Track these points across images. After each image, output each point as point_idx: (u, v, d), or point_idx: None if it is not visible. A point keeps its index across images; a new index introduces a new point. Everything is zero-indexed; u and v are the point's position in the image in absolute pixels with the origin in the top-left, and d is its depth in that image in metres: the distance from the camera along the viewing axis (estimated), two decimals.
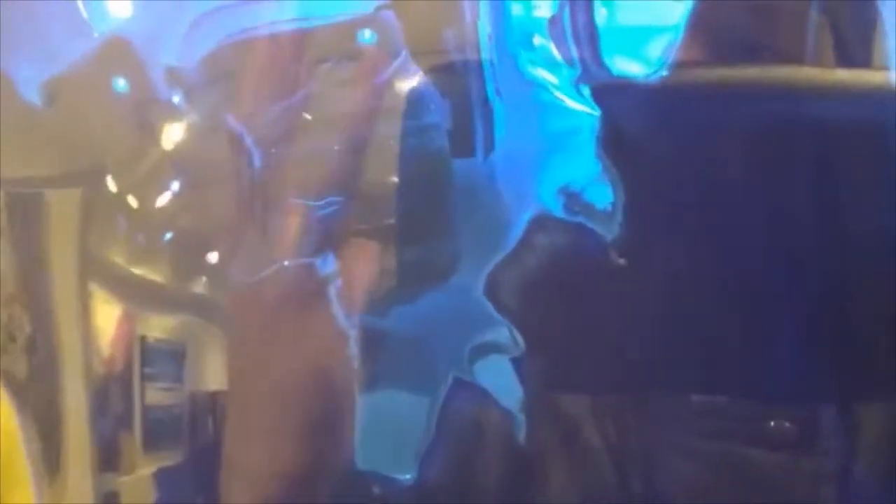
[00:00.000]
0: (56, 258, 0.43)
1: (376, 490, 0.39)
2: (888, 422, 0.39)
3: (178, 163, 0.41)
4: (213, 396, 0.41)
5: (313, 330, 0.40)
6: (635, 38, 0.39)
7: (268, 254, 0.40)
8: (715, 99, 0.39)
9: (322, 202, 0.40)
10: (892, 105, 0.38)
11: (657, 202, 0.39)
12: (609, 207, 0.39)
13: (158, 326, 0.42)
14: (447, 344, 0.39)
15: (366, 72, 0.40)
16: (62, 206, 0.43)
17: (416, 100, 0.40)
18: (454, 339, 0.39)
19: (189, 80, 0.41)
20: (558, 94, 0.39)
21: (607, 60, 0.39)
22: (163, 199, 0.41)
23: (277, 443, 0.40)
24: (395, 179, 0.39)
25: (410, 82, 0.40)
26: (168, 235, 0.41)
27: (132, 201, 0.41)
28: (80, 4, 0.43)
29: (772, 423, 0.39)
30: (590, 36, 0.39)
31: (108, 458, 0.43)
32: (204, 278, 0.41)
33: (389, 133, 0.39)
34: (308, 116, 0.40)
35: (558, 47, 0.39)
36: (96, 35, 0.43)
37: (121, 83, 0.42)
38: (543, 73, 0.39)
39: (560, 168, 0.39)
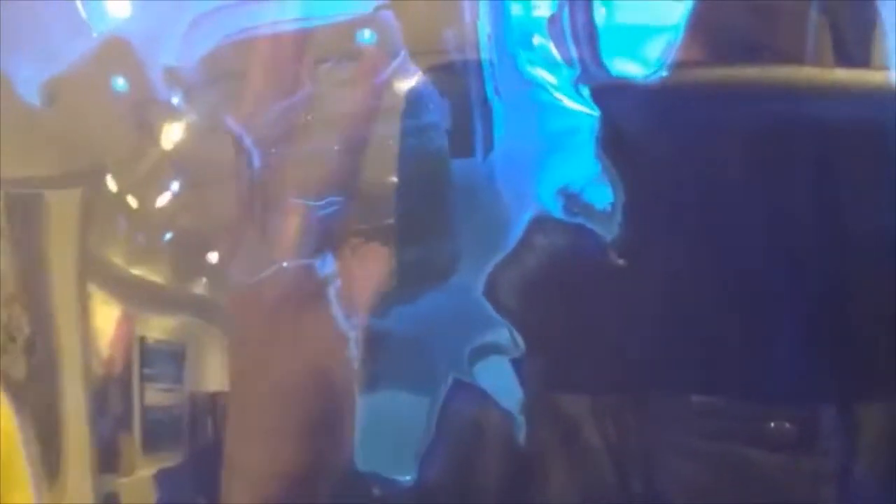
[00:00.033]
0: (55, 258, 0.43)
1: (376, 491, 0.40)
2: (888, 422, 0.39)
3: (177, 163, 0.41)
4: (213, 397, 0.41)
5: (313, 330, 0.40)
6: (635, 38, 0.39)
7: (267, 254, 0.40)
8: (714, 99, 0.39)
9: (322, 202, 0.40)
10: (891, 105, 0.38)
11: (657, 202, 0.39)
12: (608, 208, 0.39)
13: (158, 327, 0.42)
14: (447, 344, 0.39)
15: (365, 72, 0.40)
16: (62, 207, 0.43)
17: (415, 99, 0.40)
18: (454, 339, 0.39)
19: (188, 80, 0.41)
20: (557, 94, 0.39)
21: (607, 60, 0.39)
22: (162, 200, 0.41)
23: (277, 443, 0.40)
24: (395, 179, 0.40)
25: (410, 82, 0.40)
26: (168, 236, 0.41)
27: (132, 201, 0.42)
28: (79, 4, 0.43)
29: (772, 424, 0.39)
30: (589, 36, 0.39)
31: (107, 460, 0.43)
32: (204, 279, 0.41)
33: (389, 133, 0.40)
34: (308, 116, 0.40)
35: (557, 47, 0.39)
36: (95, 35, 0.43)
37: (120, 83, 0.42)
38: (543, 73, 0.40)
39: (559, 168, 0.39)
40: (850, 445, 0.39)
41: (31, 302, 0.44)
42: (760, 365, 0.39)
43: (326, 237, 0.40)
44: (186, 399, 0.41)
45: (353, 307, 0.40)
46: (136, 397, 0.42)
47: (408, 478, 0.39)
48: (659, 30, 0.39)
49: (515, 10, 0.40)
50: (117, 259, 0.42)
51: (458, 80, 0.40)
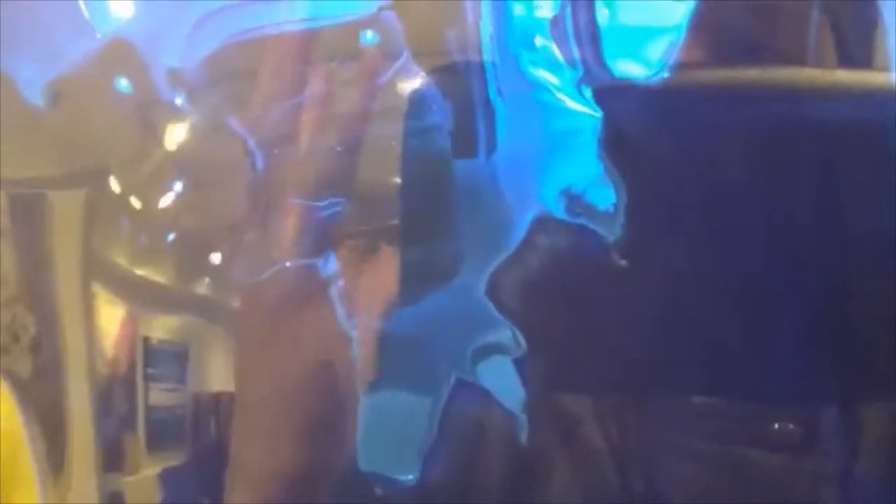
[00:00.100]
0: (60, 259, 0.43)
1: (378, 490, 0.40)
2: (889, 423, 0.39)
3: (180, 164, 0.42)
4: (216, 397, 0.41)
5: (315, 330, 0.40)
6: (637, 39, 0.39)
7: (270, 255, 0.40)
8: (716, 100, 0.39)
9: (324, 203, 0.40)
10: (892, 106, 0.38)
11: (658, 203, 0.39)
12: (610, 209, 0.39)
13: (161, 327, 0.42)
14: (449, 344, 0.39)
15: (364, 72, 0.40)
16: (65, 207, 0.43)
17: (418, 101, 0.40)
18: (456, 339, 0.39)
19: (191, 81, 0.42)
20: (560, 95, 0.39)
21: (609, 61, 0.39)
22: (165, 200, 0.42)
23: (280, 443, 0.40)
24: (398, 180, 0.40)
25: (412, 83, 0.40)
26: (171, 236, 0.42)
27: (135, 202, 0.42)
28: (83, 5, 0.43)
29: (776, 425, 0.39)
30: (591, 36, 0.39)
31: (111, 459, 0.43)
32: (207, 279, 0.41)
33: (392, 134, 0.40)
34: (310, 117, 0.40)
35: (560, 48, 0.40)
36: (99, 36, 0.43)
37: (123, 84, 0.42)
38: (545, 75, 0.40)
39: (562, 169, 0.39)
40: (852, 446, 0.39)
41: (35, 302, 0.44)
42: (762, 366, 0.39)
43: (329, 237, 0.40)
44: (190, 399, 0.41)
45: (355, 308, 0.40)
46: (140, 397, 0.42)
47: (410, 477, 0.39)
48: (661, 31, 0.40)
49: (518, 10, 0.40)
50: (121, 259, 0.42)
51: (461, 81, 0.40)
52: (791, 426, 0.39)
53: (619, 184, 0.39)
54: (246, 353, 0.41)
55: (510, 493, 0.40)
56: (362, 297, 0.40)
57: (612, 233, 0.39)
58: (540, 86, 0.40)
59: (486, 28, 0.40)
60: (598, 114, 0.39)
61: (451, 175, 0.39)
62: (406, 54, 0.40)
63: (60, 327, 0.43)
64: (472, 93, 0.40)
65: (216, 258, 0.41)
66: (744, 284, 0.39)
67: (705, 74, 0.40)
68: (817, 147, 0.39)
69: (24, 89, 0.43)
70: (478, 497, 0.40)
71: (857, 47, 0.40)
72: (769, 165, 0.39)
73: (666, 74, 0.39)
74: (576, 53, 0.40)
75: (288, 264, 0.40)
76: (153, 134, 0.42)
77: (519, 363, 0.39)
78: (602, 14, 0.40)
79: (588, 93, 0.39)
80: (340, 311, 0.40)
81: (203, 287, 0.41)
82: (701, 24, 0.40)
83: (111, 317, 0.43)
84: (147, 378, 0.42)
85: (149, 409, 0.42)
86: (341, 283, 0.40)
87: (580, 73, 0.40)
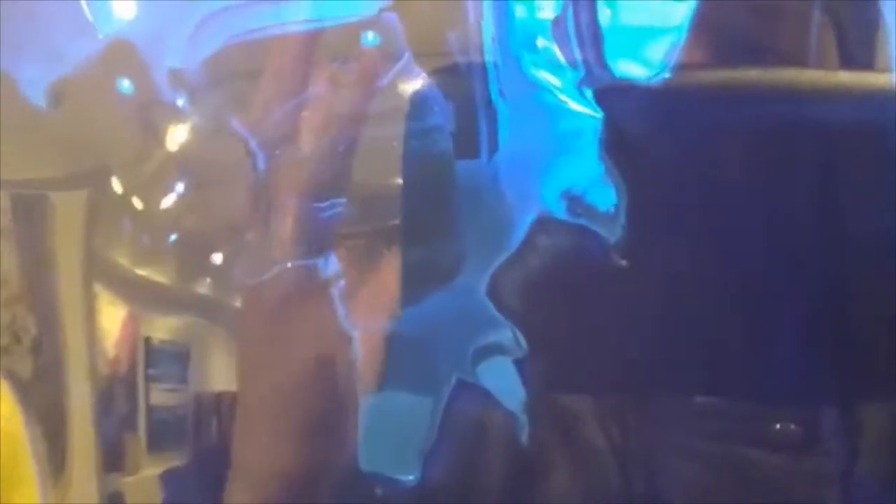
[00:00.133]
0: (61, 259, 0.43)
1: (379, 491, 0.40)
2: (890, 423, 0.40)
3: (182, 164, 0.42)
4: (218, 397, 0.41)
5: (316, 331, 0.40)
6: (638, 40, 0.40)
7: (271, 255, 0.40)
8: (717, 101, 0.39)
9: (326, 204, 0.40)
10: (893, 107, 0.39)
11: (659, 204, 0.39)
12: (611, 209, 0.39)
13: (163, 327, 0.43)
14: (450, 345, 0.39)
15: (363, 73, 0.40)
16: (67, 208, 0.43)
17: (419, 102, 0.40)
18: (458, 340, 0.39)
19: (193, 82, 0.42)
20: (561, 96, 0.40)
21: (610, 62, 0.40)
22: (167, 201, 0.42)
23: (281, 443, 0.41)
24: (399, 181, 0.40)
25: (414, 84, 0.40)
26: (172, 237, 0.42)
27: (137, 203, 0.42)
28: (85, 6, 0.43)
29: (777, 426, 0.39)
30: (593, 37, 0.40)
31: (112, 459, 0.43)
32: (208, 279, 0.41)
33: (393, 135, 0.40)
34: (310, 117, 0.40)
35: (562, 49, 0.40)
36: (100, 37, 0.43)
37: (125, 85, 0.42)
38: (547, 76, 0.40)
39: (563, 170, 0.39)
40: (852, 446, 0.40)
41: (36, 302, 0.44)
42: (762, 366, 0.39)
43: (330, 238, 0.40)
44: (191, 399, 0.42)
45: (357, 308, 0.40)
46: (141, 397, 0.42)
47: (411, 477, 0.40)
48: (662, 31, 0.40)
49: (519, 11, 0.40)
50: (123, 260, 0.42)
51: (463, 82, 0.40)
52: (792, 426, 0.39)
53: (620, 184, 0.39)
54: (247, 354, 0.41)
55: (511, 493, 0.40)
56: (363, 298, 0.40)
57: (612, 233, 0.39)
58: (541, 87, 0.40)
59: (488, 29, 0.40)
60: (599, 115, 0.39)
61: (453, 176, 0.40)
62: (407, 55, 0.40)
63: (61, 327, 0.43)
64: (473, 94, 0.40)
65: (217, 258, 0.41)
66: (744, 285, 0.39)
67: (706, 75, 0.40)
68: (818, 148, 0.39)
69: (26, 90, 0.43)
70: (478, 497, 0.40)
71: (858, 48, 0.40)
72: (770, 166, 0.39)
73: (667, 75, 0.39)
74: (577, 54, 0.40)
75: (289, 265, 0.40)
76: (155, 135, 0.42)
77: (519, 363, 0.39)
78: (604, 15, 0.40)
79: (589, 94, 0.39)
80: (341, 311, 0.40)
81: (204, 287, 0.41)
82: (702, 25, 0.40)
83: (112, 317, 0.43)
84: (148, 378, 0.42)
85: (150, 410, 0.42)
86: (342, 283, 0.40)
87: (581, 74, 0.40)
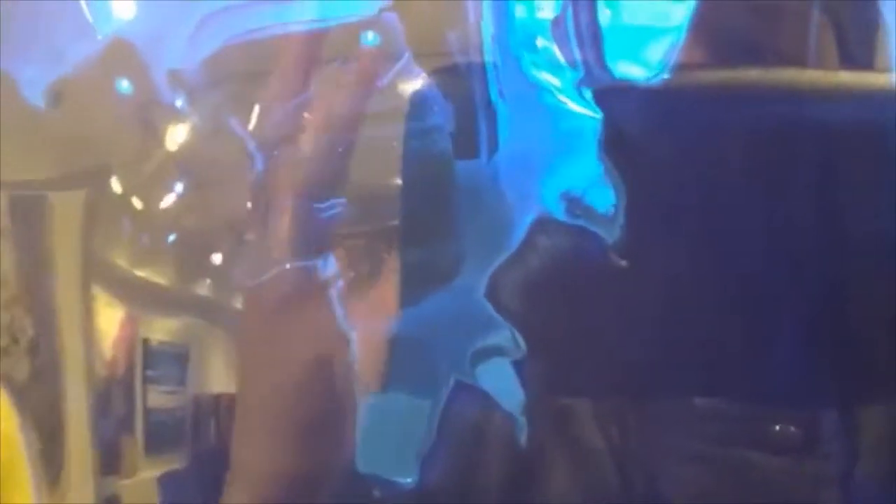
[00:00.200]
0: (59, 260, 0.44)
1: (377, 493, 0.40)
2: (890, 424, 0.40)
3: (181, 165, 0.42)
4: (217, 399, 0.41)
5: (315, 332, 0.40)
6: (638, 40, 0.40)
7: (269, 256, 0.40)
8: (717, 101, 0.40)
9: (325, 204, 0.40)
10: (893, 107, 0.39)
11: (659, 205, 0.39)
12: (610, 210, 0.39)
13: (162, 329, 0.43)
14: (449, 346, 0.40)
15: (362, 73, 0.40)
16: (66, 208, 0.43)
17: (419, 102, 0.40)
18: (456, 341, 0.40)
19: (192, 82, 0.42)
20: (561, 96, 0.40)
21: (610, 62, 0.40)
22: (166, 201, 0.42)
23: (278, 445, 0.41)
24: (399, 181, 0.40)
25: (413, 84, 0.40)
26: (171, 237, 0.42)
27: (136, 203, 0.42)
28: (84, 6, 0.44)
29: (777, 428, 0.40)
30: (593, 37, 0.40)
31: (109, 461, 0.43)
32: (208, 280, 0.41)
33: (393, 135, 0.40)
34: (310, 118, 0.41)
35: (561, 49, 0.40)
36: (100, 37, 0.43)
37: (124, 85, 0.43)
38: (546, 76, 0.40)
39: (563, 170, 0.40)
40: (852, 448, 0.40)
41: (34, 303, 0.44)
42: (762, 368, 0.39)
43: (329, 238, 0.40)
44: (190, 401, 0.42)
45: (355, 309, 0.40)
46: (138, 399, 0.42)
47: (409, 480, 0.40)
48: (662, 31, 0.40)
49: (519, 12, 0.40)
50: (121, 260, 0.43)
51: (462, 83, 0.40)
52: (791, 428, 0.39)
53: (620, 185, 0.39)
54: (245, 355, 0.41)
55: (509, 495, 0.40)
56: (362, 299, 0.40)
57: (611, 234, 0.39)
58: (541, 87, 0.40)
59: (488, 29, 0.40)
60: (599, 115, 0.39)
61: (452, 176, 0.40)
62: (407, 55, 0.40)
63: (59, 329, 0.44)
64: (473, 94, 0.40)
65: (217, 259, 0.41)
66: (744, 286, 0.39)
67: (706, 75, 0.40)
68: (818, 148, 0.39)
69: (25, 90, 0.43)
70: (477, 499, 0.40)
71: (858, 48, 0.41)
72: (769, 167, 0.39)
73: (666, 75, 0.40)
74: (577, 55, 0.40)
75: (288, 266, 0.40)
76: (154, 135, 0.42)
77: (518, 365, 0.39)
78: (603, 15, 0.40)
79: (588, 94, 0.40)
80: (340, 312, 0.40)
81: (204, 288, 0.42)
82: (701, 25, 0.40)
83: (110, 318, 0.43)
84: (146, 380, 0.42)
85: (148, 412, 0.42)
86: (341, 284, 0.40)
87: (581, 74, 0.40)
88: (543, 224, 0.39)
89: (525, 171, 0.40)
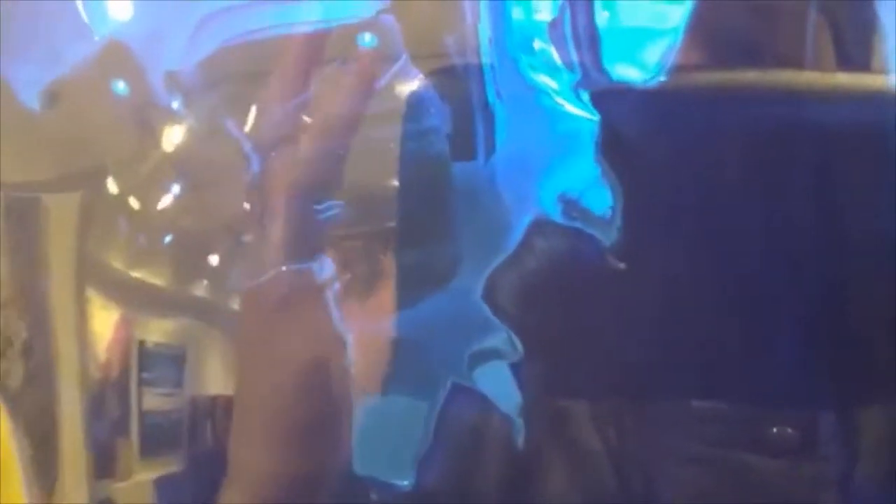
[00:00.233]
0: (54, 262, 0.44)
1: (374, 496, 0.40)
2: (889, 426, 0.40)
3: (177, 166, 0.42)
4: (213, 401, 0.41)
5: (311, 334, 0.40)
6: (635, 41, 0.40)
7: (266, 258, 0.40)
8: (714, 103, 0.40)
9: (322, 206, 0.40)
10: (891, 108, 0.39)
11: (656, 207, 0.40)
12: (607, 213, 0.39)
13: (158, 330, 0.43)
14: (446, 348, 0.40)
15: (360, 75, 0.40)
16: (60, 210, 0.43)
17: (416, 103, 0.40)
18: (454, 343, 0.40)
19: (188, 84, 0.42)
20: (558, 98, 0.40)
21: (607, 64, 0.40)
22: (162, 203, 0.42)
23: (276, 447, 0.41)
24: (396, 183, 0.40)
25: (411, 86, 0.40)
26: (168, 238, 0.42)
27: (132, 204, 0.42)
28: (81, 7, 0.44)
29: (774, 430, 0.40)
30: (590, 39, 0.40)
31: (103, 465, 0.43)
32: (204, 281, 0.42)
33: (390, 136, 0.40)
34: (307, 119, 0.41)
35: (559, 51, 0.40)
36: (96, 39, 0.43)
37: (121, 86, 0.43)
38: (543, 78, 0.40)
39: (560, 172, 0.40)
40: (850, 450, 0.40)
41: (28, 306, 0.44)
42: (760, 370, 0.39)
43: (326, 240, 0.40)
44: (187, 403, 0.42)
45: (352, 310, 0.40)
46: (133, 401, 0.42)
47: (406, 482, 0.40)
48: (659, 33, 0.40)
49: (516, 13, 0.41)
50: (117, 262, 0.43)
51: (459, 84, 0.40)
52: (790, 430, 0.40)
53: (617, 187, 0.39)
54: (242, 356, 0.41)
55: (507, 497, 0.40)
56: (359, 300, 0.40)
57: (609, 237, 0.39)
58: (538, 89, 0.40)
59: (485, 31, 0.40)
60: (596, 117, 0.40)
61: (449, 178, 0.40)
62: (405, 57, 0.40)
63: (53, 331, 0.44)
64: (470, 96, 0.40)
65: (214, 260, 0.41)
66: (741, 288, 0.40)
67: (703, 77, 0.40)
68: (815, 150, 0.39)
69: (21, 92, 0.43)
70: (474, 501, 0.40)
71: (855, 48, 0.41)
72: (767, 168, 0.39)
73: (663, 78, 0.40)
74: (574, 57, 0.40)
75: (284, 267, 0.40)
76: (150, 136, 0.42)
77: (516, 367, 0.39)
78: (601, 17, 0.40)
79: (586, 96, 0.40)
80: (336, 314, 0.40)
81: (201, 289, 0.42)
82: (699, 27, 0.40)
83: (105, 320, 0.43)
84: (142, 382, 0.42)
85: (143, 414, 0.42)
86: (337, 285, 0.40)
87: (578, 76, 0.40)
88: (540, 226, 0.40)
89: (522, 172, 0.40)
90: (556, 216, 0.40)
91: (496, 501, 0.40)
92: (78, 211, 0.43)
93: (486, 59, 0.40)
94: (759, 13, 0.41)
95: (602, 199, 0.39)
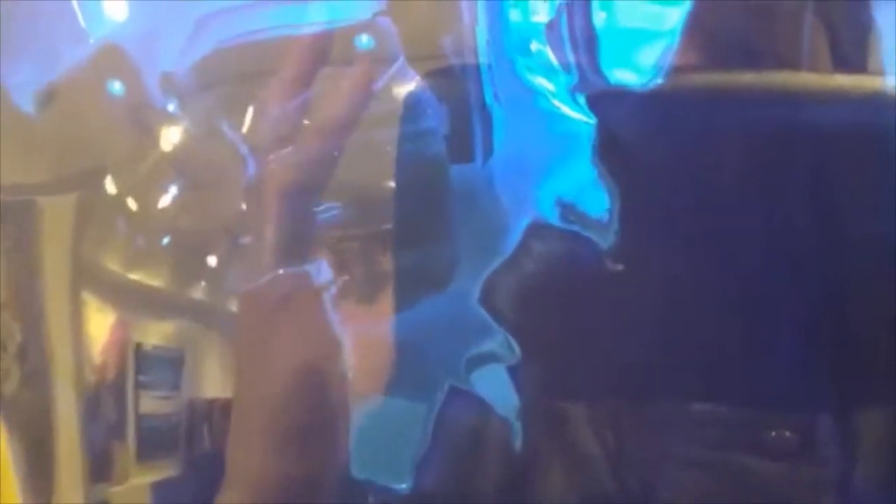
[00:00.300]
0: (49, 264, 0.44)
1: (372, 498, 0.40)
2: (888, 429, 0.40)
3: (174, 168, 0.42)
4: (211, 404, 0.41)
5: (308, 337, 0.41)
6: (632, 43, 0.40)
7: (264, 260, 0.41)
8: (711, 105, 0.40)
9: (319, 208, 0.40)
10: (888, 110, 0.39)
11: (653, 209, 0.40)
12: (604, 215, 0.39)
13: (155, 333, 0.43)
14: (444, 351, 0.40)
15: (356, 77, 0.41)
16: (56, 212, 0.44)
17: (413, 105, 0.40)
18: (451, 346, 0.40)
19: (184, 85, 0.42)
20: (555, 101, 0.40)
21: (605, 67, 0.40)
22: (159, 204, 0.42)
23: (273, 449, 0.41)
24: (393, 185, 0.40)
25: (408, 87, 0.41)
26: (165, 240, 0.42)
27: (128, 206, 0.42)
28: (76, 9, 0.44)
29: (773, 433, 0.40)
30: (587, 41, 0.40)
31: (100, 468, 0.43)
32: (203, 283, 0.42)
33: (387, 138, 0.40)
34: (304, 121, 0.41)
35: (556, 53, 0.40)
36: (92, 41, 0.43)
37: (117, 88, 0.43)
38: (541, 80, 0.40)
39: (557, 175, 0.40)
40: (849, 453, 0.40)
41: (23, 309, 0.44)
42: (759, 372, 0.40)
43: (321, 243, 0.40)
44: (184, 406, 0.42)
45: (349, 313, 0.40)
46: (130, 405, 0.42)
47: (403, 485, 0.40)
48: (656, 35, 0.40)
49: (514, 15, 0.41)
50: (113, 265, 0.43)
51: (457, 86, 0.40)
52: (788, 433, 0.40)
53: (614, 190, 0.39)
54: (239, 359, 0.41)
55: (504, 500, 0.40)
56: (356, 303, 0.40)
57: (606, 239, 0.39)
58: (536, 91, 0.40)
59: (482, 33, 0.40)
60: (593, 120, 0.40)
61: (447, 180, 0.40)
62: (402, 59, 0.41)
63: (48, 334, 0.44)
64: (467, 97, 0.40)
65: (212, 262, 0.41)
66: (740, 291, 0.40)
67: (700, 79, 0.40)
68: (813, 151, 0.39)
69: (17, 94, 0.44)
70: None
71: (851, 50, 0.41)
72: (764, 170, 0.39)
73: (660, 80, 0.40)
74: (571, 59, 0.40)
75: (281, 270, 0.41)
76: (146, 138, 0.42)
77: (513, 370, 0.40)
78: (598, 19, 0.40)
79: (582, 99, 0.40)
80: (334, 316, 0.40)
81: (198, 291, 0.42)
82: (696, 28, 0.40)
83: (101, 323, 0.43)
84: (139, 385, 0.42)
85: (140, 418, 0.42)
86: (335, 288, 0.40)
87: (575, 78, 0.40)
88: (538, 229, 0.40)
89: (520, 175, 0.40)
90: (554, 219, 0.40)
91: None
92: (74, 213, 0.43)
93: (483, 61, 0.40)
94: (756, 15, 0.41)
95: (599, 202, 0.40)
